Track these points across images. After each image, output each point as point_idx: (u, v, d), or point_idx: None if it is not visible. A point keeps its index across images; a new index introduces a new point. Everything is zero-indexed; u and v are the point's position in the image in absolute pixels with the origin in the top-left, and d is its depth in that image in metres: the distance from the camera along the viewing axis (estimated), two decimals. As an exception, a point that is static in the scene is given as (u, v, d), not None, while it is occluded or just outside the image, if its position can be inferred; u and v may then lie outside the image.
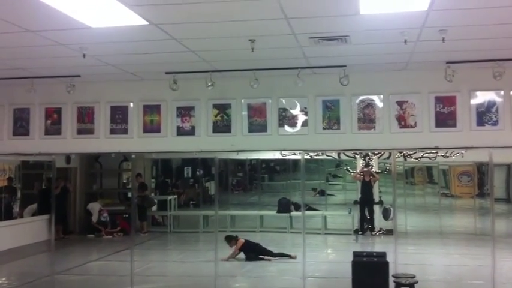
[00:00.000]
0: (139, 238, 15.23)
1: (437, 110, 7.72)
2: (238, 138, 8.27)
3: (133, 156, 10.07)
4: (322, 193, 22.53)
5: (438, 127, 7.70)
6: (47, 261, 11.22)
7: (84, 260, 12.37)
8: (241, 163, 27.18)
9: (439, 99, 7.72)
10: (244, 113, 8.25)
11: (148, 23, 5.48)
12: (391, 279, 7.88)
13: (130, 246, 11.27)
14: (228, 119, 8.29)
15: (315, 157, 17.00)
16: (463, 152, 14.18)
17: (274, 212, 17.09)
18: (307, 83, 7.73)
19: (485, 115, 7.63)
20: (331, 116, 8.05)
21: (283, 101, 8.16)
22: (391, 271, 8.08)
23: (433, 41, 6.08)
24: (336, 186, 27.47)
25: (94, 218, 16.07)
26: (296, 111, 8.14)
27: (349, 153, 15.62)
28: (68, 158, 15.12)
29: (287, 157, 17.30)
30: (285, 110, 8.16)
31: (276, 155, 17.17)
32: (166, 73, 7.82)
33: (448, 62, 7.18)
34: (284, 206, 16.74)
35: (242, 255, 11.87)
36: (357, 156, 16.22)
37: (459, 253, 13.02)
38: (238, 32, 5.90)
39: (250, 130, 8.23)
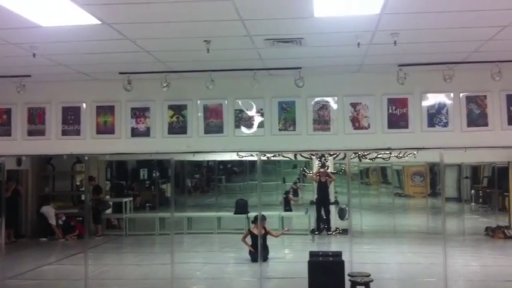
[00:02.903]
0: (94, 241, 14.94)
1: (390, 111, 7.89)
2: (195, 140, 8.24)
3: (86, 158, 9.88)
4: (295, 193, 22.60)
5: (391, 128, 7.88)
6: (-3, 266, 10.87)
7: (36, 264, 12.03)
8: (198, 164, 27.03)
9: (391, 101, 7.90)
10: (200, 114, 8.22)
11: (100, 22, 5.38)
12: (347, 278, 7.98)
13: (84, 249, 11.05)
14: (184, 120, 8.24)
15: (272, 158, 17.07)
16: (415, 152, 14.50)
17: (231, 214, 17.07)
18: (263, 84, 7.77)
19: (435, 117, 7.84)
20: (287, 117, 8.12)
21: (240, 102, 8.17)
22: (347, 270, 8.18)
23: (386, 44, 6.20)
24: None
25: (53, 222, 15.68)
26: (252, 112, 8.16)
27: (305, 154, 15.75)
28: (19, 160, 14.61)
29: (244, 158, 17.31)
30: (241, 111, 8.17)
31: (233, 156, 17.15)
32: (120, 73, 7.71)
33: (400, 65, 7.33)
34: (241, 207, 16.73)
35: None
36: (313, 157, 16.37)
37: (412, 251, 13.30)
38: (193, 32, 5.86)
39: (207, 131, 8.21)
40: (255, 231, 11.58)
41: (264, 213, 12.92)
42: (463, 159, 17.97)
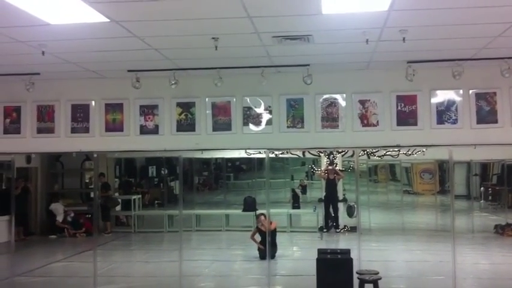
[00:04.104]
0: (103, 238, 15.02)
1: (399, 108, 7.85)
2: (203, 137, 8.24)
3: (95, 155, 9.92)
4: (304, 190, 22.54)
5: (399, 125, 7.84)
6: (7, 263, 10.95)
7: (45, 262, 12.13)
8: (206, 162, 27.08)
9: (400, 98, 7.85)
10: (209, 111, 8.22)
11: (109, 20, 5.40)
12: (355, 276, 7.97)
13: (93, 246, 11.10)
14: (192, 117, 8.25)
15: (280, 155, 17.06)
16: (424, 150, 14.45)
17: (239, 211, 17.09)
18: (271, 81, 7.75)
19: (445, 114, 7.79)
20: (295, 114, 8.10)
21: (248, 99, 8.16)
22: (355, 268, 8.17)
23: (394, 40, 6.17)
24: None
25: (60, 218, 15.78)
26: (260, 109, 8.15)
27: (313, 152, 15.73)
28: (28, 157, 14.80)
29: (252, 156, 17.33)
30: (249, 108, 8.16)
31: (241, 154, 17.17)
32: (129, 71, 7.73)
33: (408, 62, 7.29)
34: (250, 205, 16.75)
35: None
36: (322, 155, 16.35)
37: (421, 249, 13.25)
38: (201, 30, 5.86)
39: (215, 129, 8.21)
40: (263, 228, 11.59)
41: (272, 210, 12.98)
42: (472, 157, 17.91)
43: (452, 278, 8.25)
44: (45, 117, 8.49)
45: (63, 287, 9.89)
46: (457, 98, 7.79)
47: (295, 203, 18.71)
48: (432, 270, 10.64)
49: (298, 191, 20.30)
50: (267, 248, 10.14)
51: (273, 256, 11.39)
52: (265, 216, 11.64)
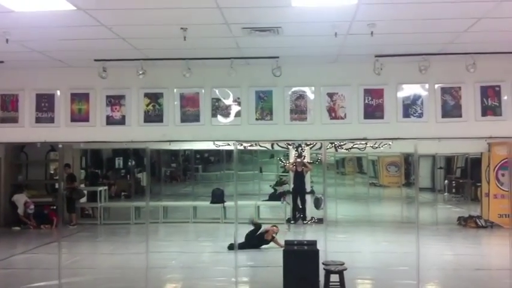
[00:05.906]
0: (68, 230, 14.79)
1: (366, 102, 7.93)
2: (171, 128, 8.17)
3: (60, 146, 9.72)
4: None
5: (366, 119, 7.93)
6: (-32, 256, 10.72)
7: (8, 254, 11.89)
8: (174, 153, 26.91)
9: (367, 92, 7.93)
10: (177, 102, 8.15)
11: (76, 8, 5.29)
12: (321, 267, 8.05)
13: (58, 238, 10.93)
14: (160, 108, 8.17)
15: (249, 148, 17.07)
16: (390, 143, 14.65)
17: (207, 203, 17.05)
18: (241, 73, 7.74)
19: (411, 107, 7.91)
20: (264, 106, 8.10)
21: (217, 91, 8.12)
22: (321, 259, 8.24)
23: (363, 34, 6.22)
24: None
25: (20, 211, 15.44)
26: (229, 101, 8.13)
27: (282, 144, 15.79)
28: (-9, 147, 14.45)
29: (221, 147, 17.28)
30: (218, 100, 8.13)
31: (210, 146, 17.12)
32: (95, 60, 7.60)
33: (376, 56, 7.38)
34: (218, 197, 16.73)
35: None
36: (290, 147, 16.42)
37: (386, 240, 13.47)
38: (169, 19, 5.80)
39: (183, 120, 8.15)
40: (267, 235, 11.80)
41: (240, 202, 12.99)
42: (437, 150, 18.25)
43: (416, 269, 8.40)
44: (9, 106, 8.29)
45: (26, 279, 9.69)
46: (423, 92, 7.91)
47: (271, 198, 18.63)
48: (397, 261, 10.82)
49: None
50: (234, 239, 10.14)
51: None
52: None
